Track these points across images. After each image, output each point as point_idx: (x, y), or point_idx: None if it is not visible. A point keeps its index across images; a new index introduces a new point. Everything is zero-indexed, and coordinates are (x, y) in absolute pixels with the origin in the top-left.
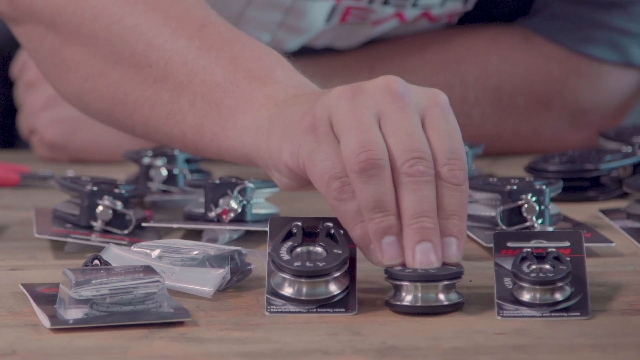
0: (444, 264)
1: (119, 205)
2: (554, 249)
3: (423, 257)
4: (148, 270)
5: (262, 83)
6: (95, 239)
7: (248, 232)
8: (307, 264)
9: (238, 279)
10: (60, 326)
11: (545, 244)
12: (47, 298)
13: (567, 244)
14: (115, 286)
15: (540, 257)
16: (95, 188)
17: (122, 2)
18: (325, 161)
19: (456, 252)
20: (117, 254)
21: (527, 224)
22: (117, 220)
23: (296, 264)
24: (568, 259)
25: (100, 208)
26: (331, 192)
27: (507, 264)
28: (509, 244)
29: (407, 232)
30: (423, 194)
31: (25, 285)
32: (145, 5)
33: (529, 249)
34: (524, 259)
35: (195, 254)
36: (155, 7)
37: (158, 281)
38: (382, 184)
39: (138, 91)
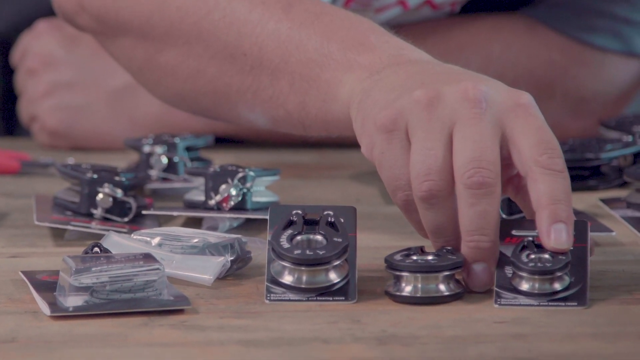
0: (554, 252)
1: (119, 192)
2: None
3: (477, 278)
4: (148, 257)
5: (356, 52)
6: (95, 227)
7: (248, 220)
8: (307, 252)
9: (238, 267)
10: (60, 313)
11: None
12: (47, 285)
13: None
14: (115, 274)
15: (541, 246)
16: (95, 176)
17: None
18: (393, 169)
19: (566, 238)
20: (117, 241)
21: None
22: (117, 207)
23: (296, 252)
24: (570, 248)
25: (100, 196)
26: (396, 200)
27: (510, 252)
28: (514, 232)
29: (463, 249)
30: (480, 209)
31: (25, 273)
32: None
33: (530, 238)
34: (524, 247)
35: (195, 242)
36: None
37: (158, 269)
38: (441, 214)
39: (238, 81)
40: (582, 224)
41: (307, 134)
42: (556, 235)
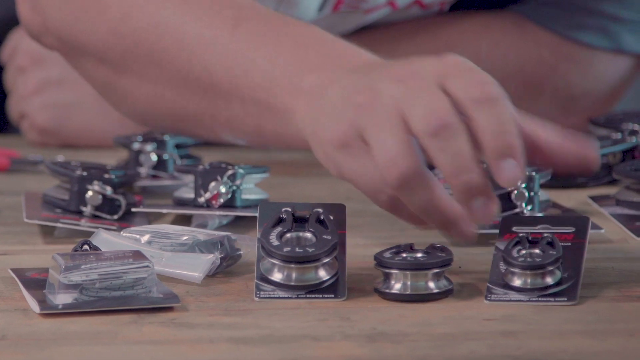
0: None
1: (108, 190)
2: (548, 234)
3: (481, 214)
4: (137, 255)
5: (300, 77)
6: (84, 224)
7: (237, 218)
8: (297, 249)
9: (227, 265)
10: (50, 311)
11: (550, 229)
12: (36, 283)
13: (572, 229)
14: (105, 271)
15: (534, 242)
16: (84, 173)
17: (156, 23)
18: (365, 177)
19: (518, 172)
20: (107, 239)
21: (517, 210)
22: (106, 205)
23: (286, 249)
24: (568, 244)
25: (89, 193)
26: (382, 203)
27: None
28: (515, 229)
29: (455, 195)
30: (452, 149)
31: (14, 270)
32: (178, 19)
33: (524, 234)
34: (517, 243)
35: (185, 240)
36: (189, 17)
37: (147, 266)
38: (425, 193)
39: (194, 104)
40: (583, 220)
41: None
42: (507, 174)
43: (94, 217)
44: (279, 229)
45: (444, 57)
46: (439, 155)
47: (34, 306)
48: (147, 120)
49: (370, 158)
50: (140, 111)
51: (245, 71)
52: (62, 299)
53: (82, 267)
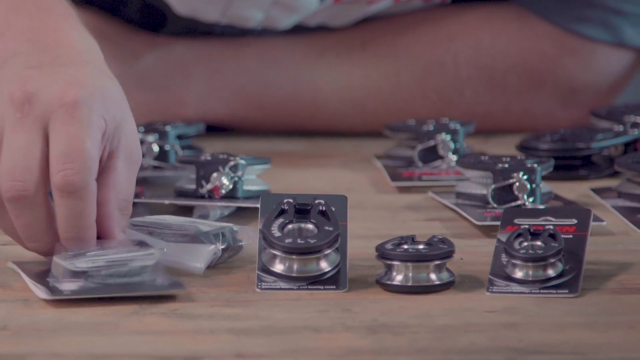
0: None
1: None
2: (551, 227)
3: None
4: (143, 243)
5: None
6: None
7: (239, 209)
8: (299, 240)
9: (229, 256)
10: (57, 297)
11: (552, 221)
12: (38, 273)
13: (574, 221)
14: (112, 258)
15: (536, 234)
16: None
17: None
18: None
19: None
20: None
21: (519, 202)
22: None
23: (287, 240)
24: (570, 236)
25: None
26: None
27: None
28: (516, 221)
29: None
30: (24, 221)
31: (17, 263)
32: None
33: (526, 226)
34: (519, 235)
35: (186, 230)
36: None
37: (153, 254)
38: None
39: None
40: (585, 213)
41: None
42: (70, 247)
43: None
44: (280, 220)
45: (68, 90)
46: (14, 219)
47: (40, 293)
48: None
49: None
50: None
51: None
52: (67, 286)
53: (88, 254)
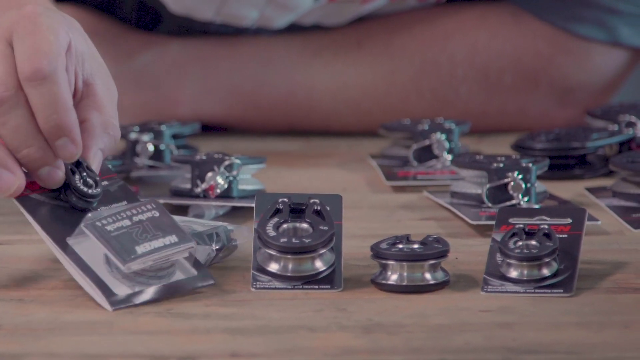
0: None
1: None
2: (545, 226)
3: (47, 181)
4: (179, 232)
5: None
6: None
7: (234, 208)
8: (293, 240)
9: (224, 255)
10: (124, 305)
11: (547, 220)
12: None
13: (569, 221)
14: (158, 257)
15: (531, 233)
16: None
17: None
18: None
19: (73, 149)
20: None
21: (514, 201)
22: None
23: (282, 240)
24: (565, 235)
25: None
26: None
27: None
28: (511, 220)
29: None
30: (12, 124)
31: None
32: None
33: (521, 225)
34: (513, 235)
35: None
36: None
37: (192, 247)
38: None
39: None
40: (579, 212)
41: None
42: (63, 152)
43: None
44: (275, 219)
45: (24, 7)
46: (1, 128)
47: (105, 304)
48: None
49: None
50: None
51: None
52: (123, 290)
53: (137, 249)
